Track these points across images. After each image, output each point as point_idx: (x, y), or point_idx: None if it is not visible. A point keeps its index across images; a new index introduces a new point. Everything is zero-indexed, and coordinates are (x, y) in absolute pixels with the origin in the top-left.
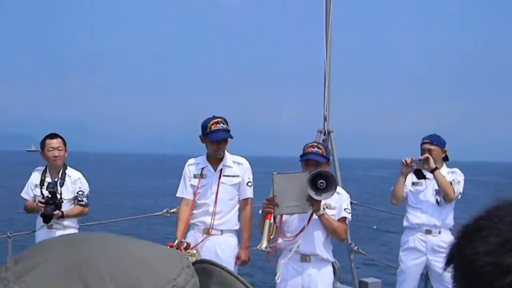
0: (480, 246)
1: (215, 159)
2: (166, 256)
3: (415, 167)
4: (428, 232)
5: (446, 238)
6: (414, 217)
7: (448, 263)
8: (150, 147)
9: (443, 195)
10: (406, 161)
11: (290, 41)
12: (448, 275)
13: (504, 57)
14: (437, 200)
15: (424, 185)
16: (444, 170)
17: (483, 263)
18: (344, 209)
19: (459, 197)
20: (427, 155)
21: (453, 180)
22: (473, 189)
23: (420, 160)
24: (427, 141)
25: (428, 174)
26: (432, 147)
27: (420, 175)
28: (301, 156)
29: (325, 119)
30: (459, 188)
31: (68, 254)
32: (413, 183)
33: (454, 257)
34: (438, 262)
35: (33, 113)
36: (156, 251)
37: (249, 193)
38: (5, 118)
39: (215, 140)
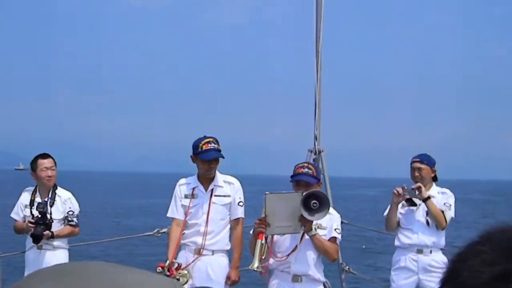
0: (473, 273)
1: (206, 179)
2: (163, 286)
3: (407, 196)
4: (420, 251)
5: (437, 258)
6: (405, 237)
7: (443, 286)
8: (137, 165)
9: (435, 224)
10: (398, 191)
11: (281, 60)
12: None
13: (496, 76)
14: (427, 220)
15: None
16: (434, 190)
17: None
18: (335, 229)
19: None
20: (419, 184)
21: (444, 204)
22: (462, 207)
23: (412, 189)
24: (417, 160)
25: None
26: (422, 166)
27: (411, 203)
28: (291, 176)
29: (315, 138)
30: (450, 213)
31: (63, 284)
32: (403, 205)
33: (448, 282)
34: (429, 281)
35: (19, 130)
36: (154, 281)
37: (240, 213)
38: None
39: (206, 159)
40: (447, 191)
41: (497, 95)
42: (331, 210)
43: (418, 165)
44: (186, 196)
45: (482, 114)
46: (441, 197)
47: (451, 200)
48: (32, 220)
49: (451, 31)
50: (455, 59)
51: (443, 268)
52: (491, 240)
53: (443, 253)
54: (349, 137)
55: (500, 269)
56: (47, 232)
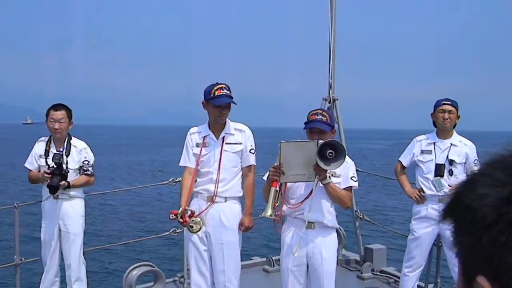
0: (478, 195)
1: (217, 127)
2: None
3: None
4: (441, 200)
5: None
6: (426, 188)
7: (446, 214)
8: (150, 118)
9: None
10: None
11: (296, 10)
12: None
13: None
14: (450, 170)
15: (433, 154)
16: (455, 138)
17: (487, 210)
18: (351, 178)
19: None
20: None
21: (474, 162)
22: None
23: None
24: (449, 102)
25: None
26: (453, 109)
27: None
28: (305, 123)
29: (330, 87)
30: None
31: None
32: (422, 151)
33: (451, 208)
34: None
35: (27, 84)
36: None
37: (252, 160)
38: (5, 90)
39: (218, 104)
40: (468, 142)
41: None
42: (346, 158)
43: (449, 107)
44: (197, 145)
45: (502, 67)
46: (465, 149)
47: (475, 152)
48: (48, 171)
49: None
50: (470, 15)
51: None
52: (496, 163)
53: None
54: (361, 90)
55: (509, 190)
56: (63, 182)
